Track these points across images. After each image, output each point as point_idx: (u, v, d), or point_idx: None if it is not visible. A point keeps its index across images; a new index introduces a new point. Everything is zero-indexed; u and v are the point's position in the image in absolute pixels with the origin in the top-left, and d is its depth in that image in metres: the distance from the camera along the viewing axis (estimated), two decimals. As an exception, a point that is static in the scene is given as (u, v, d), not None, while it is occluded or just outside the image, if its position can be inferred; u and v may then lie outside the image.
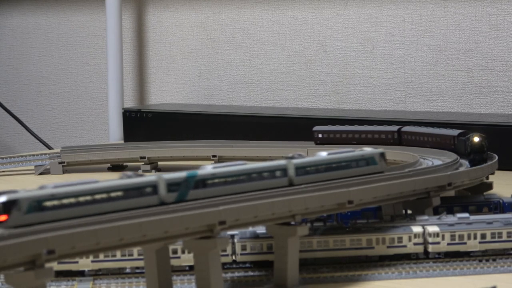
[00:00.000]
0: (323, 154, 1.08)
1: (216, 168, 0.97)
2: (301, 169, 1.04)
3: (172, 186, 0.93)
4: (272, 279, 1.03)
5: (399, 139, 1.62)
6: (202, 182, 0.95)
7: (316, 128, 1.76)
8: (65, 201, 0.85)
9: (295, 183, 1.03)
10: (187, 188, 0.94)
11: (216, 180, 0.96)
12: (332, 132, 1.73)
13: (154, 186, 0.91)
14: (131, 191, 0.90)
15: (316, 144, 1.73)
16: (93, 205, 0.86)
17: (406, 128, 1.62)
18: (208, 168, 0.97)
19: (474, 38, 2.17)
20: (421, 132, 1.57)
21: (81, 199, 0.86)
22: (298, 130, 2.02)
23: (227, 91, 2.57)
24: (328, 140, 1.72)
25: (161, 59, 2.70)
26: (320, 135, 1.74)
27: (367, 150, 1.14)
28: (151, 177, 0.92)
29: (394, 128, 1.64)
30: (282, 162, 1.03)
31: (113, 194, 0.88)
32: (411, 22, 2.25)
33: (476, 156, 1.38)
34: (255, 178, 1.00)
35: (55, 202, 0.84)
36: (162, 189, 0.92)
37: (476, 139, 1.39)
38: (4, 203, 0.81)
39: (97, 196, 0.87)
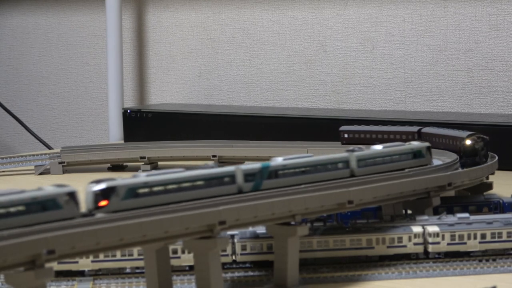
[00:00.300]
0: (378, 147, 1.16)
1: (286, 159, 1.04)
2: (362, 161, 1.12)
3: (248, 176, 0.99)
4: (272, 279, 1.03)
5: (419, 140, 1.62)
6: (275, 173, 1.02)
7: (342, 128, 1.76)
8: (155, 188, 0.92)
9: (356, 174, 1.10)
10: (262, 178, 1.00)
11: (286, 171, 1.03)
12: (357, 132, 1.73)
13: (232, 176, 0.98)
14: (212, 180, 0.96)
15: (342, 144, 1.74)
16: (179, 192, 0.93)
17: (426, 129, 1.61)
18: (278, 160, 1.04)
19: (474, 38, 2.17)
20: (437, 134, 1.56)
21: (169, 187, 0.93)
22: (298, 130, 2.02)
23: (227, 91, 2.57)
24: (353, 140, 1.72)
25: (161, 59, 2.70)
26: (346, 135, 1.75)
27: (415, 143, 1.22)
28: (230, 167, 0.98)
29: (415, 128, 1.64)
30: (344, 154, 1.10)
31: (196, 183, 0.95)
32: (411, 22, 2.25)
33: (467, 159, 1.37)
34: (320, 170, 1.07)
35: (147, 190, 0.91)
36: (240, 179, 0.98)
37: (468, 142, 1.38)
38: (104, 190, 0.88)
39: (183, 185, 0.94)
